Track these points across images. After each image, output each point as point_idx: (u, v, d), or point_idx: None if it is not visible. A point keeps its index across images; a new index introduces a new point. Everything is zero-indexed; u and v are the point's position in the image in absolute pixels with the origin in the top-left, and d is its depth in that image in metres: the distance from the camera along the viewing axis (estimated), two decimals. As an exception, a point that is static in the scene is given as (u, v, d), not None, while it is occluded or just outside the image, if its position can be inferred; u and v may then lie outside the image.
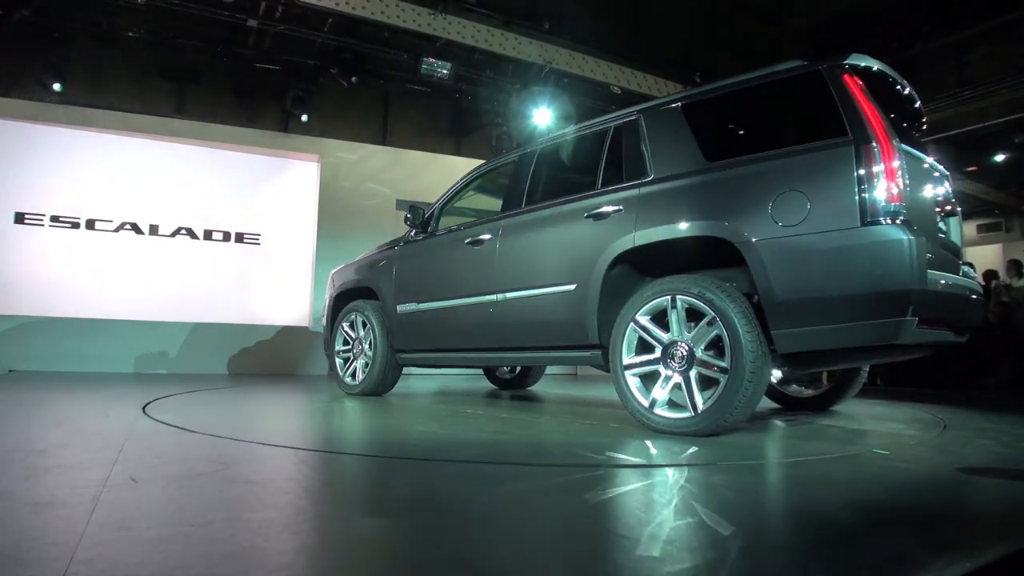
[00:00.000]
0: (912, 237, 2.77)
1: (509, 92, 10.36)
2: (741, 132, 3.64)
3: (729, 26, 9.99)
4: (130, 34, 8.95)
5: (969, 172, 11.70)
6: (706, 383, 3.17)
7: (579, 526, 1.69)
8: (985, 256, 13.34)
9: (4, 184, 8.73)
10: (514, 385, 6.60)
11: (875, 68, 3.43)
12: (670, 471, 2.43)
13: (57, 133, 8.96)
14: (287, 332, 9.70)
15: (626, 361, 3.44)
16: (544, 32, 9.36)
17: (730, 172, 3.35)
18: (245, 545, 1.43)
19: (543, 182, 4.40)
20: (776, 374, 4.49)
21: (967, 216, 14.35)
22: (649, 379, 3.37)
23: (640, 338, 3.41)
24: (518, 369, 6.58)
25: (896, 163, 2.90)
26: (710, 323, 3.14)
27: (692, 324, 3.23)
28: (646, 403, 3.33)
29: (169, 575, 1.25)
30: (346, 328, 5.68)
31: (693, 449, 2.84)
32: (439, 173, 10.03)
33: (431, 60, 9.30)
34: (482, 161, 5.42)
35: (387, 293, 5.32)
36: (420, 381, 8.08)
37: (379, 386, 5.44)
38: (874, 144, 2.92)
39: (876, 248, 2.83)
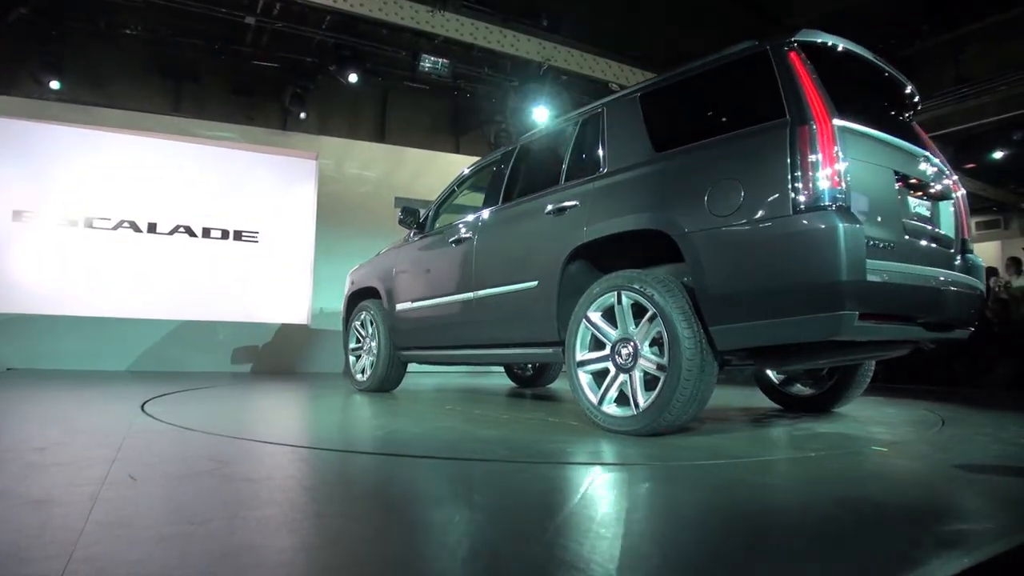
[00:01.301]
0: (846, 224, 2.57)
1: (507, 89, 10.35)
2: (688, 120, 3.45)
3: (728, 24, 9.98)
4: (128, 32, 8.94)
5: (967, 169, 11.70)
6: (652, 381, 3.06)
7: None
8: (984, 253, 13.28)
9: (2, 182, 8.71)
10: (532, 383, 6.56)
11: (835, 46, 3.18)
12: (601, 469, 2.45)
13: (55, 131, 8.93)
14: (286, 330, 9.69)
15: (578, 358, 3.38)
16: (542, 29, 9.35)
17: (671, 162, 3.27)
18: (244, 543, 1.43)
19: (519, 179, 4.42)
20: (772, 375, 4.41)
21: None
22: (601, 376, 3.29)
23: (592, 335, 3.34)
24: (532, 367, 6.60)
25: (834, 146, 2.70)
26: (651, 319, 3.04)
27: (638, 321, 3.13)
28: (595, 400, 3.27)
29: (168, 573, 1.25)
30: (357, 327, 5.83)
31: (685, 443, 2.84)
32: (437, 171, 10.02)
33: (429, 57, 9.29)
34: (479, 159, 5.45)
35: (387, 293, 5.46)
36: (439, 378, 8.09)
37: (384, 383, 5.58)
38: (810, 126, 2.73)
39: (808, 238, 2.65)
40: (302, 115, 10.20)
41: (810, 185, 2.66)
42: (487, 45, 9.09)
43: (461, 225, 4.68)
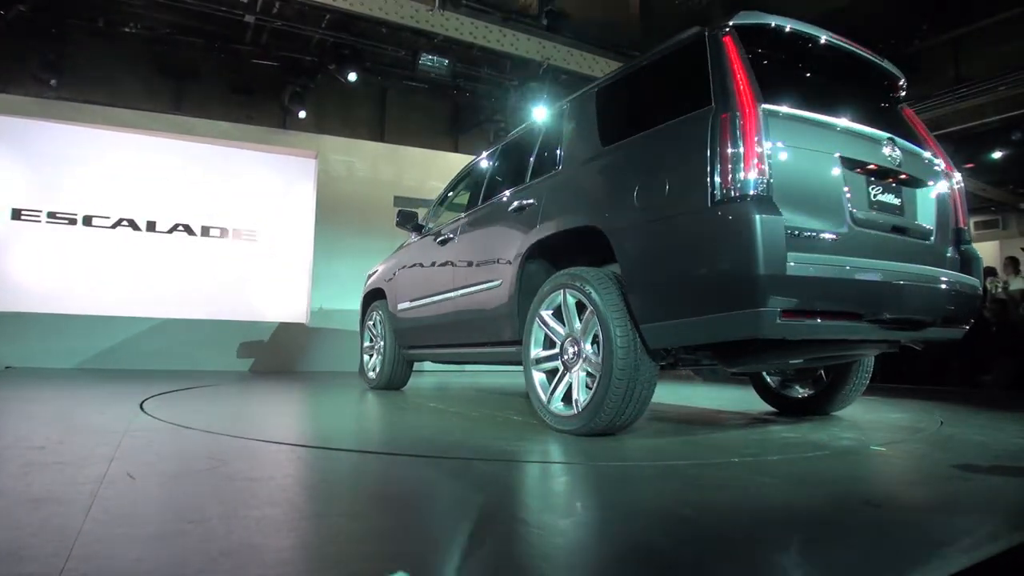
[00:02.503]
0: (762, 215, 2.43)
1: (507, 88, 10.35)
2: (632, 113, 3.35)
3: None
4: (127, 30, 8.94)
5: (966, 169, 11.70)
6: (593, 381, 2.99)
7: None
8: (982, 253, 13.33)
9: (1, 180, 8.71)
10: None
11: (779, 28, 3.01)
12: (536, 467, 2.45)
13: (54, 129, 8.93)
14: (285, 328, 9.69)
15: (532, 356, 3.35)
16: (542, 28, 9.35)
17: (609, 157, 3.24)
18: (242, 542, 1.43)
19: (496, 179, 4.44)
20: (767, 376, 4.24)
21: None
22: (553, 375, 3.25)
23: (545, 333, 3.31)
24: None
25: (756, 134, 2.55)
26: (590, 317, 2.98)
27: (583, 319, 3.07)
28: (545, 399, 3.24)
29: (166, 572, 1.25)
30: (370, 326, 5.99)
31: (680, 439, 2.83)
32: (437, 170, 10.03)
33: (429, 56, 9.30)
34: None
35: (390, 293, 5.61)
36: (447, 377, 8.08)
37: (391, 381, 5.71)
38: (732, 113, 2.60)
39: (723, 231, 2.53)
40: (301, 114, 10.20)
41: (729, 175, 2.53)
42: (487, 44, 9.09)
43: (447, 226, 4.79)
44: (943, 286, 2.97)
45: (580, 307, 3.07)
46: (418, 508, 1.88)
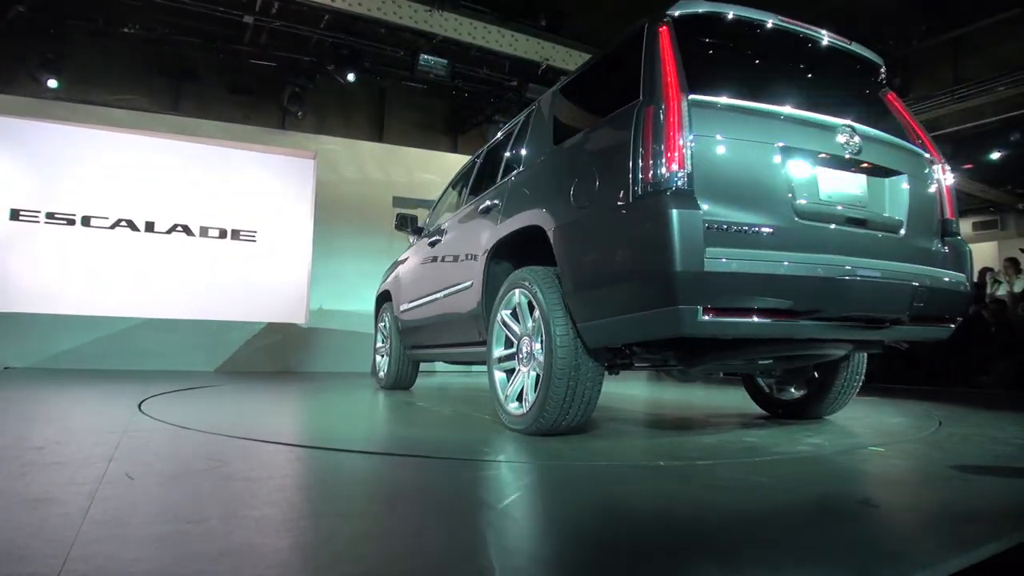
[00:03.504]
0: (678, 210, 2.34)
1: (506, 89, 10.35)
2: (580, 110, 3.32)
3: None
4: (126, 30, 8.93)
5: (965, 170, 11.71)
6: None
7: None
8: (981, 254, 13.37)
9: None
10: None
11: (722, 15, 2.89)
12: (504, 466, 2.45)
13: (52, 129, 8.93)
14: (284, 329, 9.68)
15: (494, 356, 3.34)
16: (541, 29, 9.35)
17: (556, 156, 3.22)
18: (241, 542, 1.43)
19: (480, 181, 4.46)
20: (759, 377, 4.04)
21: (962, 214, 14.37)
22: (511, 375, 3.24)
23: (505, 333, 3.31)
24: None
25: (679, 126, 2.46)
26: (538, 317, 2.96)
27: (533, 318, 3.04)
28: (502, 398, 3.23)
29: (165, 572, 1.25)
30: (381, 327, 6.10)
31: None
32: (435, 170, 10.03)
33: (428, 57, 9.29)
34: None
35: (394, 294, 5.69)
36: (464, 378, 8.07)
37: (398, 381, 5.79)
38: (655, 106, 2.52)
39: (641, 226, 2.48)
40: (300, 114, 10.20)
41: (650, 169, 2.47)
42: (485, 45, 9.09)
43: (436, 228, 4.86)
44: (910, 282, 2.76)
45: (531, 307, 3.06)
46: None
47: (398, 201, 9.98)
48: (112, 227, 9.25)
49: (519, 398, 3.12)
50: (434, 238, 4.77)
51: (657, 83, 2.59)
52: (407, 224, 5.52)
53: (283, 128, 10.41)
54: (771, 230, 2.53)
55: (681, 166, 2.43)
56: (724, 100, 2.64)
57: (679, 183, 2.41)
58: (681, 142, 2.45)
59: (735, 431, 3.38)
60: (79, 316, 8.56)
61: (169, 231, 9.55)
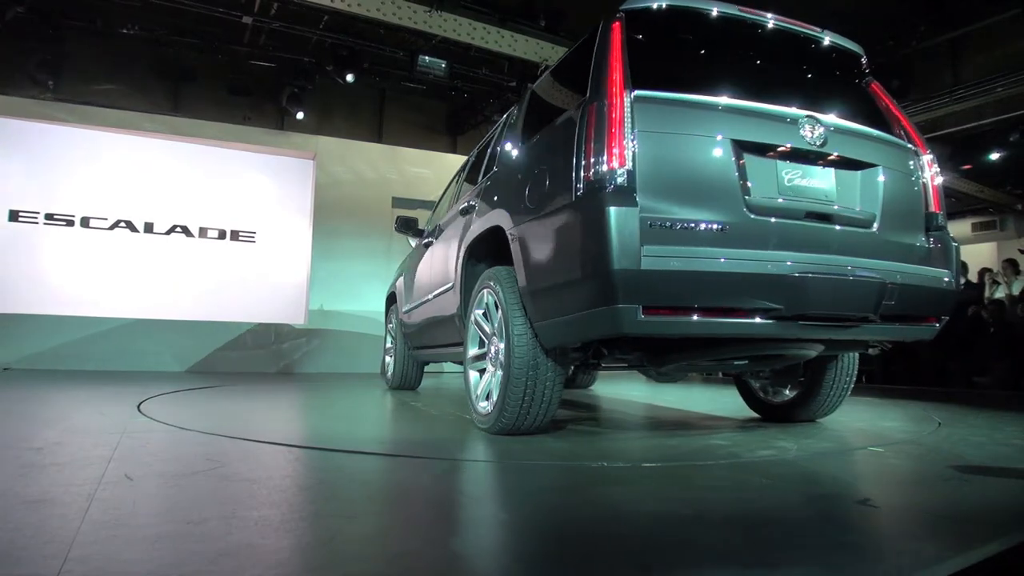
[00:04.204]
0: (614, 208, 2.31)
1: (505, 90, 10.35)
2: (544, 109, 3.25)
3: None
4: (125, 31, 8.93)
5: (964, 171, 11.72)
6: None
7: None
8: (980, 254, 13.39)
9: (-2, 181, 8.71)
10: (572, 385, 6.47)
11: (675, 8, 2.84)
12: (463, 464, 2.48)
13: (51, 130, 8.93)
14: (284, 330, 9.68)
15: (469, 355, 3.35)
16: (540, 29, 9.35)
17: (519, 155, 3.22)
18: (240, 543, 1.43)
19: (467, 182, 4.47)
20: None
21: (961, 215, 14.40)
22: (483, 374, 3.24)
23: (478, 333, 3.31)
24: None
25: (619, 122, 2.42)
26: (501, 317, 2.97)
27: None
28: (474, 397, 3.24)
29: (164, 573, 1.25)
30: (389, 329, 6.17)
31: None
32: (434, 171, 10.03)
33: (427, 58, 9.30)
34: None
35: (398, 296, 5.80)
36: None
37: (404, 381, 5.87)
38: (597, 103, 2.49)
39: (581, 225, 2.46)
40: (299, 115, 10.20)
41: (591, 168, 2.44)
42: (485, 45, 9.09)
43: (432, 229, 4.90)
44: (879, 279, 2.63)
45: (497, 307, 3.07)
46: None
47: (397, 202, 9.99)
48: (111, 228, 9.25)
49: (488, 397, 3.12)
50: (428, 240, 4.82)
51: (601, 81, 2.56)
52: (408, 227, 5.53)
53: (282, 129, 10.42)
54: (720, 227, 2.45)
55: (622, 164, 2.40)
56: (671, 95, 2.58)
57: (619, 181, 2.38)
58: (622, 139, 2.42)
59: (704, 434, 3.33)
60: (78, 317, 8.56)
61: (168, 232, 9.55)
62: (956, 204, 13.95)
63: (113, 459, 2.29)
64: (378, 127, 11.42)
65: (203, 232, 9.74)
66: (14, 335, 8.18)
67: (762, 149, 2.63)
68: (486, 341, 3.22)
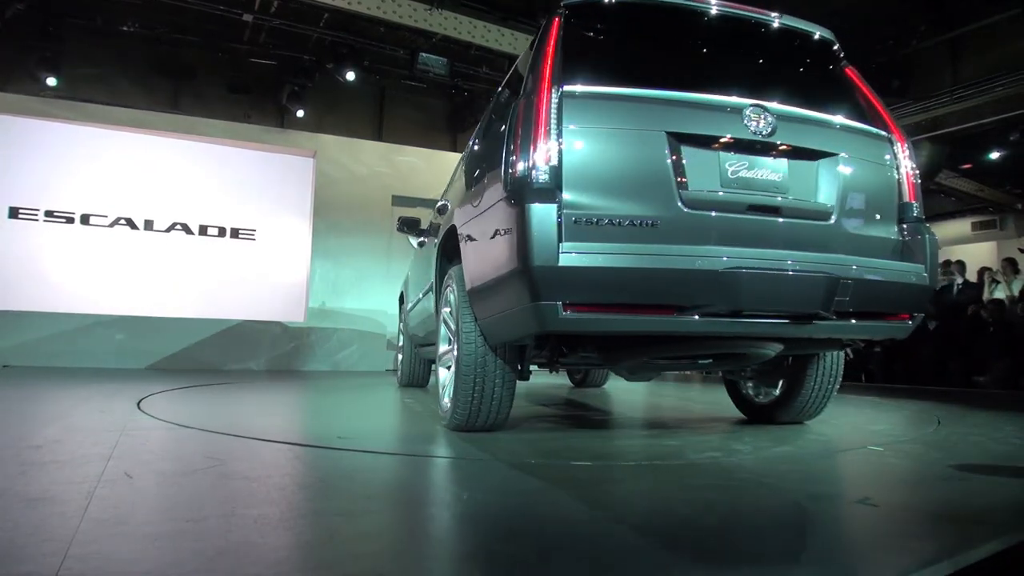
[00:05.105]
0: (531, 205, 2.29)
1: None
2: (500, 106, 3.19)
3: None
4: (125, 29, 8.93)
5: (964, 170, 11.72)
6: None
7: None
8: (980, 254, 13.39)
9: (-2, 179, 8.70)
10: (583, 384, 6.48)
11: (614, 0, 2.77)
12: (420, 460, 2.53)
13: (51, 128, 8.91)
14: (284, 328, 9.68)
15: (439, 351, 3.38)
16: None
17: (474, 155, 3.24)
18: (240, 541, 1.42)
19: (451, 180, 4.51)
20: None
21: (961, 214, 14.41)
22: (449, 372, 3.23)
23: (446, 331, 3.32)
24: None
25: (545, 119, 2.39)
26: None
27: None
28: (440, 394, 3.24)
29: (164, 571, 1.25)
30: (401, 327, 6.27)
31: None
32: (434, 169, 10.02)
33: (427, 56, 9.29)
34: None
35: (404, 295, 5.89)
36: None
37: (412, 378, 5.91)
38: (526, 99, 2.47)
39: (504, 223, 2.45)
40: (299, 113, 10.20)
41: (516, 164, 2.44)
42: (484, 43, 9.09)
43: (428, 229, 4.91)
44: (829, 274, 2.50)
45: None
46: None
47: (397, 200, 9.98)
48: (111, 225, 9.24)
49: (449, 394, 3.14)
50: (422, 239, 4.89)
51: (532, 77, 2.54)
52: (410, 226, 5.42)
53: (282, 127, 10.41)
54: (651, 222, 2.39)
55: (546, 161, 2.37)
56: (602, 90, 2.53)
57: (541, 178, 2.36)
58: (547, 136, 2.39)
59: (662, 434, 3.32)
60: (78, 314, 8.56)
61: (168, 229, 9.54)
62: (956, 203, 13.96)
63: (113, 457, 2.29)
64: (378, 125, 11.41)
65: (203, 230, 9.73)
66: (13, 332, 8.17)
67: (702, 141, 2.54)
68: (453, 339, 3.21)
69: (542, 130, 2.39)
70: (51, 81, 8.81)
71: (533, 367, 3.14)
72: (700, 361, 3.07)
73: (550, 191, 2.34)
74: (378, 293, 9.78)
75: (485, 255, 2.67)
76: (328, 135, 10.39)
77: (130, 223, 9.34)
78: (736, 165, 2.55)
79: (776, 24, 2.94)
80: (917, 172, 2.89)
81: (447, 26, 8.76)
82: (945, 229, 14.68)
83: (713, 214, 2.49)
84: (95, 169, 9.16)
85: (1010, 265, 9.31)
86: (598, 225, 2.35)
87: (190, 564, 1.28)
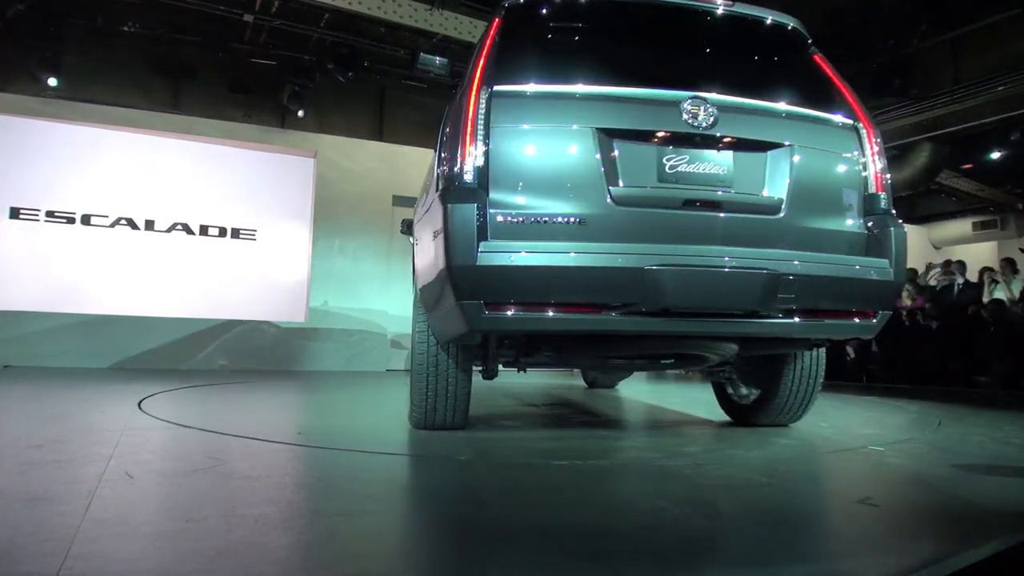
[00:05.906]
0: (451, 205, 2.30)
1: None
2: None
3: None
4: (125, 29, 8.92)
5: (965, 170, 11.71)
6: None
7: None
8: (981, 253, 13.38)
9: (-1, 179, 8.70)
10: (594, 385, 6.44)
11: None
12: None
13: (52, 128, 8.90)
14: (284, 328, 9.67)
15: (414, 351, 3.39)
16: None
17: (434, 155, 3.23)
18: (241, 540, 1.43)
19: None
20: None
21: (961, 214, 14.39)
22: None
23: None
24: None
25: (470, 121, 2.38)
26: None
27: None
28: (409, 393, 3.23)
29: (164, 571, 1.25)
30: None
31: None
32: (435, 169, 10.01)
33: (427, 56, 9.28)
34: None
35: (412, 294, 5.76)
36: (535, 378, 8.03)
37: None
38: (456, 100, 2.50)
39: (431, 223, 2.47)
40: (300, 113, 10.18)
41: (444, 164, 2.45)
42: (485, 43, 9.07)
43: None
44: (771, 271, 2.40)
45: None
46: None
47: (398, 200, 9.96)
48: (112, 225, 9.22)
49: None
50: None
51: (464, 79, 2.55)
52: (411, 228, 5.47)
53: (283, 127, 10.40)
54: (577, 220, 2.36)
55: (472, 160, 2.37)
56: (531, 88, 2.52)
57: (465, 178, 2.35)
58: (474, 137, 2.38)
59: (623, 435, 3.35)
60: (79, 315, 8.54)
61: (169, 230, 9.52)
62: (957, 203, 13.95)
63: (114, 457, 2.29)
64: (379, 125, 11.40)
65: (204, 230, 9.71)
66: (14, 332, 8.16)
67: (637, 136, 2.49)
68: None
69: (468, 131, 2.38)
70: (51, 81, 8.79)
71: (532, 368, 3.16)
72: (662, 361, 3.05)
73: (473, 191, 2.34)
74: (379, 293, 9.77)
75: (426, 254, 2.70)
76: (328, 135, 10.37)
77: (131, 223, 9.32)
78: (675, 159, 2.48)
79: (725, 12, 2.83)
80: (886, 162, 2.75)
81: (447, 26, 8.75)
82: (946, 229, 14.66)
83: (645, 210, 2.44)
84: (96, 169, 9.13)
85: (1009, 265, 9.30)
86: (524, 224, 2.34)
87: (191, 564, 1.28)
